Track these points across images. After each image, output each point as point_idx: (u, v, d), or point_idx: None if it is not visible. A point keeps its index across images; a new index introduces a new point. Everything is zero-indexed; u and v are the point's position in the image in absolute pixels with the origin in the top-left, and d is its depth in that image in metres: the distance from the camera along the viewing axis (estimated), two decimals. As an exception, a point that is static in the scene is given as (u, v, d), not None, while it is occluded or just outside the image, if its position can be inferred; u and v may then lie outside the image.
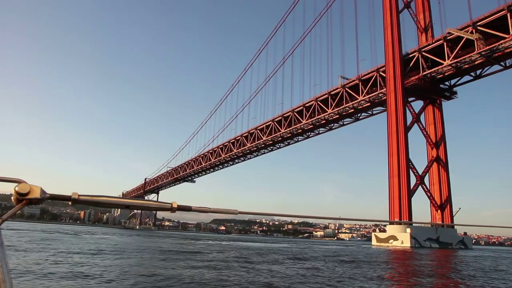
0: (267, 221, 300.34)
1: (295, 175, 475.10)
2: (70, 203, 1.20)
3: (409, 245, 53.67)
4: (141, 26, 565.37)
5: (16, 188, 1.09)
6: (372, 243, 61.22)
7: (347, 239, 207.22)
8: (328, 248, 41.47)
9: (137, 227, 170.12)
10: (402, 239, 55.41)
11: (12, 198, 1.12)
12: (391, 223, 59.01)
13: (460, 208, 65.14)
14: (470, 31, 53.71)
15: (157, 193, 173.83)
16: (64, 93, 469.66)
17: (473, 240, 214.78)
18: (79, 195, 1.19)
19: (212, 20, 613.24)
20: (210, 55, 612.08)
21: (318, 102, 78.16)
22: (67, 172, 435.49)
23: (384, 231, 61.67)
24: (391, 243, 56.39)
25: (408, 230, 55.08)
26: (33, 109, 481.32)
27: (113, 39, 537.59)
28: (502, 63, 56.03)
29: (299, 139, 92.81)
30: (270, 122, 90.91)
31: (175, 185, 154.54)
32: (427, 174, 65.05)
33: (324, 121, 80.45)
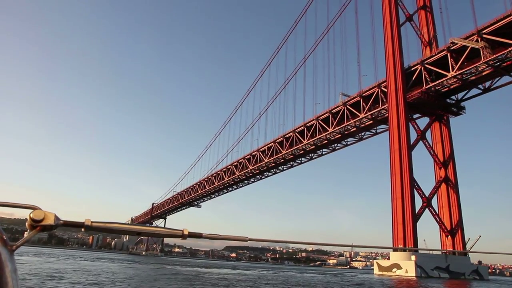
0: (281, 249, 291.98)
1: (311, 202, 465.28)
2: (83, 229, 1.21)
3: (414, 274, 47.99)
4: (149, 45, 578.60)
5: (31, 215, 1.09)
6: (374, 272, 55.59)
7: (361, 267, 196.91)
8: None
9: (143, 253, 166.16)
10: (406, 267, 49.77)
11: (26, 224, 1.13)
12: (395, 249, 53.52)
13: (480, 236, 59.13)
14: (475, 39, 49.70)
15: (164, 219, 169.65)
16: (83, 116, 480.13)
17: (497, 271, 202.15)
18: (92, 222, 1.19)
19: (218, 42, 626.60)
20: (217, 76, 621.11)
21: (319, 121, 74.44)
22: (81, 197, 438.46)
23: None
24: (394, 272, 50.76)
25: (413, 257, 49.49)
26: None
27: (128, 59, 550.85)
28: (513, 74, 51.54)
29: (302, 161, 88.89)
30: (272, 143, 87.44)
31: (181, 210, 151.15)
32: (436, 197, 59.68)
33: (326, 141, 76.41)
